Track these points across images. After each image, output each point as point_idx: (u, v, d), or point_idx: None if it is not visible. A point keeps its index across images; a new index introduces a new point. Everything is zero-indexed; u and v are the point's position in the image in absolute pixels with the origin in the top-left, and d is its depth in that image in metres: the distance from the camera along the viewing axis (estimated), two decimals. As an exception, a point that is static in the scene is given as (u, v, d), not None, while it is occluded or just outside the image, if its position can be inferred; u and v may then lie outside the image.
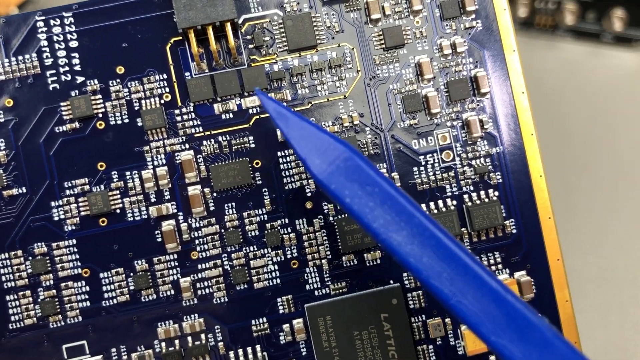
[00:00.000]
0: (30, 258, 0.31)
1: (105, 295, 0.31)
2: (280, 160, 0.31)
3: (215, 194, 0.31)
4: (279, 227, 0.31)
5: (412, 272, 0.24)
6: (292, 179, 0.32)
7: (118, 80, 0.31)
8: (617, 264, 0.43)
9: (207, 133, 0.31)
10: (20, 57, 0.31)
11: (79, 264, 0.31)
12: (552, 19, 0.47)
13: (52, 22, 0.31)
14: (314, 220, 0.31)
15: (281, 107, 0.27)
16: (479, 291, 0.23)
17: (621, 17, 0.46)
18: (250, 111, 0.31)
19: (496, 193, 0.32)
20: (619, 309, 0.43)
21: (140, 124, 0.31)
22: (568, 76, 0.47)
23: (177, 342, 0.31)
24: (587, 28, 0.47)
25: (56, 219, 0.31)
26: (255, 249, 0.31)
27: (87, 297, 0.31)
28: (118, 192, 0.31)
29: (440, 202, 0.32)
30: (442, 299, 0.24)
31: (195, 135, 0.31)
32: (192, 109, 0.31)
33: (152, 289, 0.31)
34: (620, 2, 0.46)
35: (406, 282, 0.32)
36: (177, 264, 0.31)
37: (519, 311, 0.23)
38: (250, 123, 0.31)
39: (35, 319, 0.31)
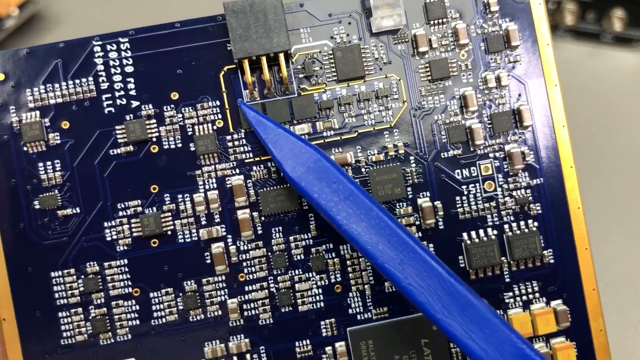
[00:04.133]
0: (82, 277, 0.31)
1: (155, 314, 0.32)
2: (327, 186, 0.32)
3: (263, 218, 0.32)
4: (323, 252, 0.32)
5: (369, 258, 0.28)
6: (338, 205, 0.32)
7: (172, 105, 0.32)
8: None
9: (257, 159, 0.32)
10: (77, 81, 0.32)
11: (130, 283, 0.32)
12: (552, 19, 0.48)
13: (108, 47, 0.32)
14: (358, 246, 0.32)
15: (260, 115, 0.31)
16: (426, 274, 0.27)
17: (621, 17, 0.46)
18: (299, 138, 0.32)
19: (535, 223, 0.33)
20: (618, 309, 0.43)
21: (192, 148, 0.32)
22: (568, 76, 0.47)
23: (223, 361, 0.32)
24: (587, 28, 0.47)
25: (109, 239, 0.32)
26: (301, 272, 0.32)
27: (137, 315, 0.32)
28: (170, 214, 0.32)
29: (481, 232, 0.33)
30: (394, 280, 0.27)
31: (246, 160, 0.32)
32: (243, 135, 0.32)
33: (200, 309, 0.32)
34: (620, 2, 0.46)
35: (446, 308, 0.33)
36: (225, 285, 0.32)
37: (461, 293, 0.27)
38: (299, 150, 0.32)
39: (86, 335, 0.31)
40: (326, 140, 0.32)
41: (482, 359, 0.26)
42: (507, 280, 0.33)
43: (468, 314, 0.26)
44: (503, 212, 0.33)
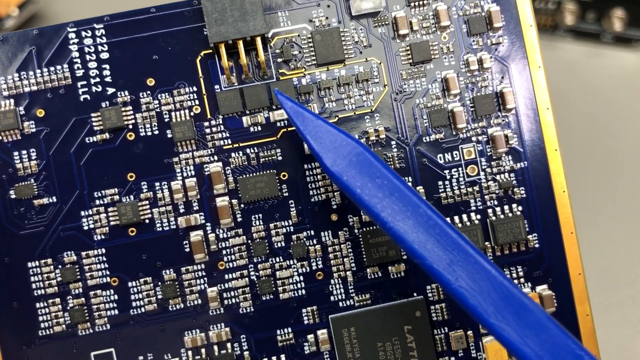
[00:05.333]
0: (60, 266, 0.31)
1: (134, 304, 0.31)
2: (307, 172, 0.32)
3: (242, 206, 0.32)
4: (304, 239, 0.32)
5: (416, 259, 0.26)
6: (318, 192, 0.32)
7: (148, 92, 0.31)
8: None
9: (235, 145, 0.32)
10: (52, 68, 0.31)
11: (108, 272, 0.31)
12: (552, 19, 0.47)
13: (83, 33, 0.32)
14: (339, 233, 0.32)
15: (298, 106, 0.29)
16: (478, 276, 0.25)
17: (621, 17, 0.46)
18: (278, 124, 0.32)
19: (520, 208, 0.32)
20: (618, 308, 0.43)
21: (170, 135, 0.31)
22: (568, 76, 0.47)
23: (203, 350, 0.31)
24: (587, 28, 0.47)
25: (86, 228, 0.31)
26: (281, 260, 0.32)
27: (115, 305, 0.31)
28: (147, 202, 0.31)
29: (464, 216, 0.32)
30: (444, 283, 0.25)
31: (224, 147, 0.32)
32: (221, 122, 0.32)
33: (180, 299, 0.31)
34: (620, 2, 0.46)
35: (429, 294, 0.32)
36: (204, 274, 0.31)
37: (516, 296, 0.25)
38: (278, 136, 0.32)
39: (64, 326, 0.31)
40: (306, 126, 0.32)
41: None
42: (492, 265, 0.32)
43: (523, 318, 0.24)
44: (486, 197, 0.32)
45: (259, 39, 0.31)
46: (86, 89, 0.31)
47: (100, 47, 0.32)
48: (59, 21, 0.49)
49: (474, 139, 0.32)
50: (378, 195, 0.27)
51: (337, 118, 0.32)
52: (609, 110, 0.47)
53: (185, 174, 0.31)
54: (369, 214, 0.27)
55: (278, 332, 0.32)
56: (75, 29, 0.32)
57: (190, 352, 0.31)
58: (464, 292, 0.25)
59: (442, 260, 0.25)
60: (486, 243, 0.32)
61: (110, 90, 0.31)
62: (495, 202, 0.32)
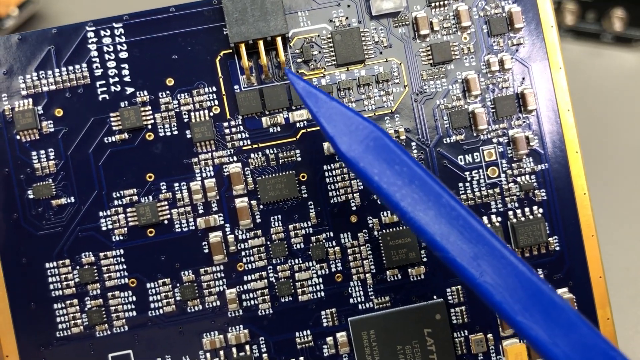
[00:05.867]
0: (77, 267, 0.31)
1: (152, 305, 0.31)
2: (326, 173, 0.32)
3: (262, 207, 0.31)
4: (324, 241, 0.32)
5: (438, 252, 0.24)
6: (338, 193, 0.32)
7: (168, 92, 0.31)
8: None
9: (255, 146, 0.31)
10: (70, 68, 0.31)
11: (126, 273, 0.31)
12: None
13: (102, 32, 0.31)
14: (359, 234, 0.32)
15: (311, 86, 0.27)
16: (505, 272, 0.23)
17: (621, 17, 0.46)
18: (298, 125, 0.32)
19: (540, 210, 0.32)
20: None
21: (189, 135, 0.31)
22: (568, 76, 0.47)
23: (221, 352, 0.31)
24: (587, 28, 0.47)
25: (104, 229, 0.31)
26: (300, 261, 0.31)
27: (133, 307, 0.31)
28: (166, 203, 0.31)
29: (485, 219, 0.32)
30: (468, 278, 0.24)
31: (244, 148, 0.31)
32: (240, 122, 0.31)
33: (198, 300, 0.31)
34: (620, 2, 0.46)
35: (449, 297, 0.32)
36: (223, 275, 0.31)
37: (545, 292, 0.23)
38: (297, 136, 0.32)
39: (82, 327, 0.31)
40: (325, 127, 0.31)
41: None
42: (512, 268, 0.32)
43: (552, 316, 0.23)
44: (507, 199, 0.32)
45: (279, 39, 0.31)
46: (105, 89, 0.31)
47: (119, 47, 0.31)
48: (58, 21, 0.49)
49: (494, 140, 0.32)
50: (397, 183, 0.25)
51: (356, 119, 0.32)
52: (609, 110, 0.47)
53: (204, 175, 0.31)
54: (387, 203, 0.25)
55: (297, 334, 0.31)
56: (94, 28, 0.31)
57: (208, 354, 0.31)
58: (489, 288, 0.23)
59: (466, 254, 0.24)
60: (507, 245, 0.32)
61: (129, 90, 0.31)
62: (516, 204, 0.32)
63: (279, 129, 0.32)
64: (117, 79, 0.31)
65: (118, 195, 0.31)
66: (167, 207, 0.31)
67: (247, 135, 0.31)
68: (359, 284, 0.32)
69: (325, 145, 0.32)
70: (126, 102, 0.31)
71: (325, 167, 0.32)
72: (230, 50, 0.31)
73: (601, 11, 0.46)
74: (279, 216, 0.31)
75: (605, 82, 0.47)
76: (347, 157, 0.25)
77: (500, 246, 0.24)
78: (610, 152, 0.46)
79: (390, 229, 0.32)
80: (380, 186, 0.25)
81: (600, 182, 0.45)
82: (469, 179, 0.32)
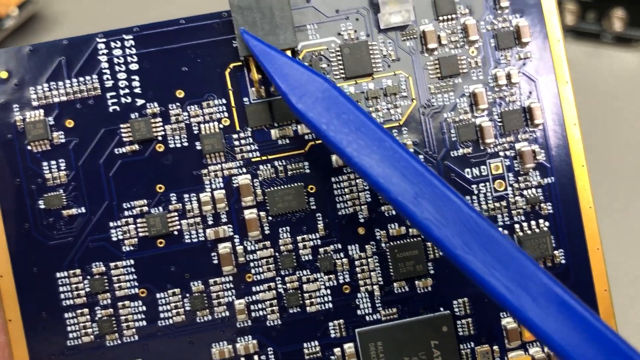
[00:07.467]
0: (88, 277, 0.31)
1: (162, 315, 0.31)
2: (334, 186, 0.32)
3: (270, 218, 0.32)
4: (332, 252, 0.32)
5: (382, 192, 0.26)
6: (346, 205, 0.32)
7: (178, 103, 0.32)
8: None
9: (264, 158, 0.32)
10: (81, 79, 0.31)
11: (136, 284, 0.31)
12: None
13: (112, 44, 0.32)
14: (366, 246, 0.32)
15: (264, 44, 0.29)
16: (445, 208, 0.25)
17: (621, 17, 0.46)
18: (306, 137, 0.32)
19: (547, 223, 0.32)
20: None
21: (199, 147, 0.31)
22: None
23: (230, 362, 0.31)
24: (587, 28, 0.47)
25: (114, 239, 0.31)
26: (309, 273, 0.32)
27: (143, 316, 0.31)
28: (176, 214, 0.31)
29: (491, 231, 0.32)
30: (409, 216, 0.25)
31: (253, 159, 0.32)
32: (249, 134, 0.32)
33: (208, 310, 0.31)
34: (620, 2, 0.46)
35: (456, 309, 0.32)
36: (232, 285, 0.32)
37: (483, 227, 0.25)
38: (306, 149, 0.32)
39: (92, 336, 0.31)
40: (334, 139, 0.32)
41: (504, 296, 0.24)
42: (518, 280, 0.32)
43: (491, 250, 0.24)
44: (514, 212, 0.32)
45: (288, 52, 0.31)
46: (115, 100, 0.32)
47: (129, 58, 0.32)
48: (58, 21, 0.49)
49: (501, 154, 0.32)
50: (344, 131, 0.27)
51: (365, 131, 0.32)
52: (609, 110, 0.47)
53: (214, 186, 0.31)
54: (335, 150, 0.27)
55: (305, 345, 0.32)
56: (104, 40, 0.32)
57: (217, 364, 0.31)
58: (429, 225, 0.25)
59: (407, 193, 0.25)
60: (513, 258, 0.32)
61: (140, 102, 0.32)
62: (523, 218, 0.32)
63: (287, 141, 0.32)
64: (127, 90, 0.32)
65: (128, 206, 0.31)
66: (177, 218, 0.31)
67: (257, 147, 0.32)
68: (367, 295, 0.32)
69: (334, 157, 0.32)
70: (137, 114, 0.32)
71: (333, 179, 0.32)
72: (240, 63, 0.32)
73: (601, 11, 0.47)
74: (288, 228, 0.32)
75: (605, 82, 0.47)
76: (298, 109, 0.27)
77: (441, 185, 0.25)
78: (611, 151, 0.46)
79: (398, 241, 0.32)
80: (328, 134, 0.27)
81: (604, 191, 0.45)
82: (476, 192, 0.32)
